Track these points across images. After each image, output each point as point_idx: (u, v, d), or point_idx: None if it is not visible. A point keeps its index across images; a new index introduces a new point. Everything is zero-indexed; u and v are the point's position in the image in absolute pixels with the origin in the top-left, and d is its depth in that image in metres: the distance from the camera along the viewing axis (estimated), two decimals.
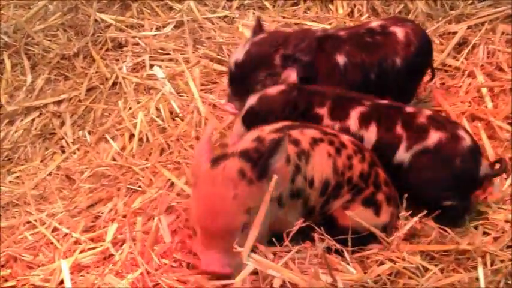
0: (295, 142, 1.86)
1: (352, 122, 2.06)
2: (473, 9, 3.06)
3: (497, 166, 2.09)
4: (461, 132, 2.03)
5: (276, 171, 1.70)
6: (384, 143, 2.04)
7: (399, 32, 2.32)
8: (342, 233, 1.78)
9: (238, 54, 2.31)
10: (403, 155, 2.02)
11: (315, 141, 1.90)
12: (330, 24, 3.07)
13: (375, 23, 2.39)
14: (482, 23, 2.95)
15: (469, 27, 2.95)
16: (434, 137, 2.00)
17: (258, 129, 1.91)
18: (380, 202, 1.95)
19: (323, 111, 2.08)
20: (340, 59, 2.28)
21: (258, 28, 2.38)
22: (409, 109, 2.09)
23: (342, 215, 1.90)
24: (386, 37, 2.32)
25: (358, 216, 1.85)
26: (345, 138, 1.98)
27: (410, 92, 2.41)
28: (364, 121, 2.06)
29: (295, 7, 3.26)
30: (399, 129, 2.03)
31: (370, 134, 2.04)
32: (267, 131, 1.88)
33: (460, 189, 2.02)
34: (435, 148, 2.00)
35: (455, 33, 2.91)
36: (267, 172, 1.70)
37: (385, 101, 2.11)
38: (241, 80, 2.31)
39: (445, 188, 2.02)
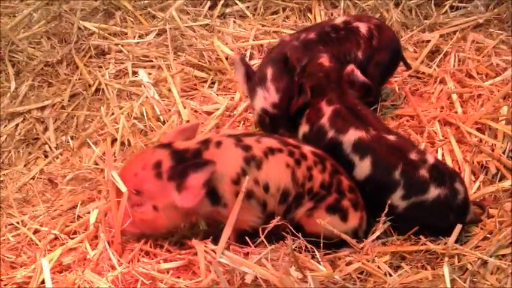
0: (246, 148, 1.94)
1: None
2: (446, 19, 3.17)
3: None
4: (458, 186, 2.07)
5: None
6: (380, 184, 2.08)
7: (362, 27, 2.45)
8: (309, 240, 1.87)
9: (271, 96, 2.34)
10: (398, 200, 2.06)
11: (271, 151, 1.96)
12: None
13: (339, 20, 2.54)
14: (454, 32, 3.06)
15: (441, 36, 3.06)
16: (433, 192, 2.04)
17: (215, 132, 1.99)
18: (346, 208, 2.01)
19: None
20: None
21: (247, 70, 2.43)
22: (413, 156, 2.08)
23: (308, 223, 1.98)
24: (349, 32, 2.47)
25: (326, 223, 1.92)
26: (307, 149, 2.03)
27: (376, 93, 2.48)
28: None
29: (275, 15, 3.35)
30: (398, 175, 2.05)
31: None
32: (216, 138, 1.95)
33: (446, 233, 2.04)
34: (433, 202, 2.05)
35: (428, 41, 3.02)
36: (181, 179, 1.82)
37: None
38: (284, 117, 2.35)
39: (433, 232, 2.07)
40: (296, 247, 1.87)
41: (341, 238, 1.95)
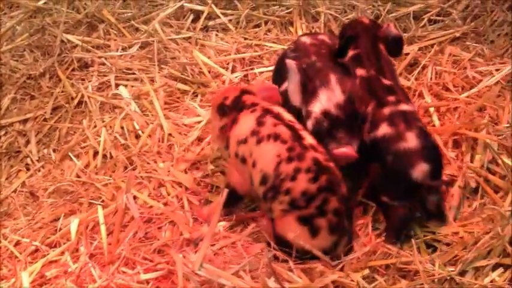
0: (260, 123, 2.12)
1: None
2: (424, 32, 3.22)
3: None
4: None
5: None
6: None
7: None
8: (278, 241, 1.90)
9: (337, 97, 2.27)
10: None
11: (276, 137, 2.07)
12: (289, 45, 3.20)
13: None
14: (432, 45, 3.11)
15: (420, 49, 3.11)
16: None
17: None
18: (319, 227, 2.00)
19: None
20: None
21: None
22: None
23: (279, 224, 2.02)
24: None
25: (290, 229, 1.98)
26: (312, 155, 2.05)
27: None
28: None
29: (257, 29, 3.38)
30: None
31: None
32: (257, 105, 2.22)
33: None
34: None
35: (407, 54, 3.07)
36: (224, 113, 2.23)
37: None
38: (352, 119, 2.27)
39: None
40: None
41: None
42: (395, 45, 2.48)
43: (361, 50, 2.41)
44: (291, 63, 2.35)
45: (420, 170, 2.10)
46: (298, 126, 2.16)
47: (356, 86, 2.30)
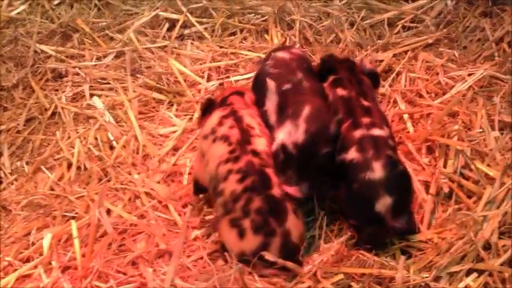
0: (220, 123, 2.23)
1: None
2: (398, 38, 3.25)
3: None
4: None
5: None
6: None
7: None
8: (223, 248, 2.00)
9: (297, 135, 2.18)
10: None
11: (225, 138, 2.17)
12: (264, 53, 3.21)
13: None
14: (406, 52, 3.14)
15: (394, 55, 3.13)
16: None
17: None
18: (244, 228, 2.02)
19: None
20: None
21: None
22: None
23: (218, 227, 2.10)
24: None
25: (225, 234, 2.04)
26: (248, 158, 2.11)
27: None
28: None
29: (232, 37, 3.39)
30: None
31: None
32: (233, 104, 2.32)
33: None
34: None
35: (381, 61, 3.09)
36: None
37: None
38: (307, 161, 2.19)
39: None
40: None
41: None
42: (372, 79, 2.50)
43: (342, 75, 2.43)
44: (270, 84, 2.35)
45: (383, 203, 2.09)
46: (255, 132, 2.20)
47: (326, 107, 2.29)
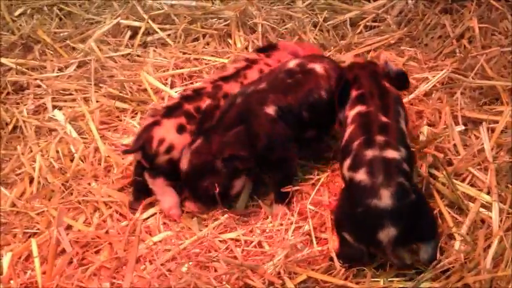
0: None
1: None
2: (361, 38, 3.26)
3: None
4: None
5: None
6: None
7: (318, 67, 2.45)
8: None
9: (183, 163, 2.30)
10: None
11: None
12: (228, 58, 3.20)
13: (292, 63, 2.48)
14: (368, 51, 3.15)
15: (357, 55, 3.14)
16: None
17: None
18: None
19: None
20: (271, 110, 2.33)
21: None
22: None
23: None
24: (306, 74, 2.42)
25: None
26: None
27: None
28: None
29: (195, 42, 3.38)
30: None
31: None
32: None
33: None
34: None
35: (343, 62, 3.09)
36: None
37: None
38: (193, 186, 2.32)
39: None
40: None
41: None
42: (400, 81, 2.37)
43: (364, 90, 2.29)
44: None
45: (387, 234, 1.93)
46: None
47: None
